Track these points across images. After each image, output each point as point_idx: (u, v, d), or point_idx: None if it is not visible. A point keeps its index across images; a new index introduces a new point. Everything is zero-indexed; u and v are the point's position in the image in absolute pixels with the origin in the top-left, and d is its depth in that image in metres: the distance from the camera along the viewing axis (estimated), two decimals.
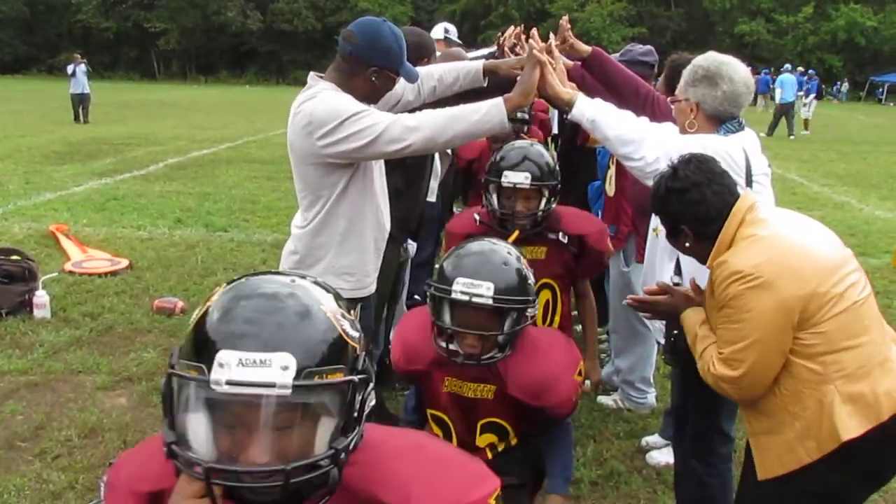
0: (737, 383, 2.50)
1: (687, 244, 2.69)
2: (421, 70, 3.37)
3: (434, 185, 5.20)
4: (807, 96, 28.30)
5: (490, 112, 2.97)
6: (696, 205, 2.59)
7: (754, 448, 2.65)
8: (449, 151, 5.59)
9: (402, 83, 3.40)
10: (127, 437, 4.51)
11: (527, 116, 6.18)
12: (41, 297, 6.43)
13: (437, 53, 4.33)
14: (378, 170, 3.33)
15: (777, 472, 2.54)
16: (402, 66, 3.16)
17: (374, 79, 3.12)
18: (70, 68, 23.22)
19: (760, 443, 2.61)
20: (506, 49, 3.78)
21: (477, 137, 3.23)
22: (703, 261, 2.70)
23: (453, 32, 7.65)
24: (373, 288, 3.39)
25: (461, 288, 2.53)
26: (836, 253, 2.57)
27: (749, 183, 3.06)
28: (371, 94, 3.14)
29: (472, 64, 3.62)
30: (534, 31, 3.33)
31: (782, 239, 2.54)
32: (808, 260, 2.47)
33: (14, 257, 6.75)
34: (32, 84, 45.77)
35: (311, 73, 3.24)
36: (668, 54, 5.08)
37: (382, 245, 3.42)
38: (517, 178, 3.46)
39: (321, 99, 3.05)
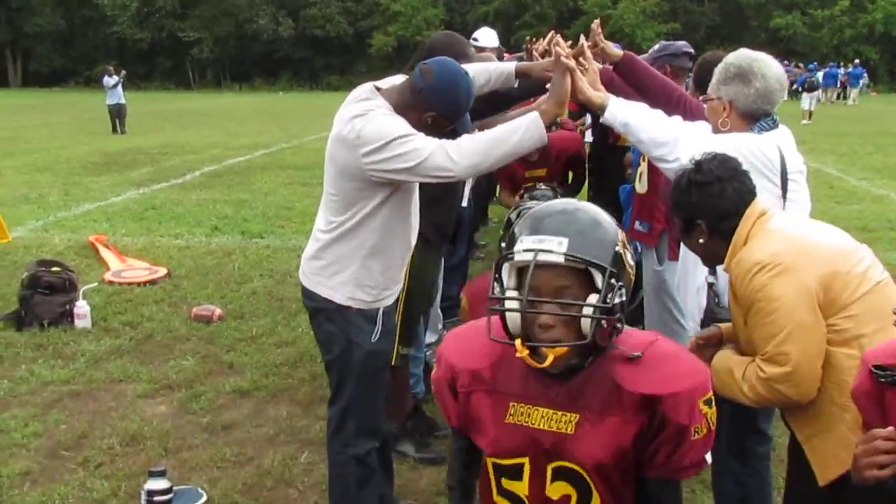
0: (791, 378, 2.47)
1: (701, 240, 2.70)
2: None
3: (467, 190, 5.23)
4: (810, 91, 28.69)
5: (529, 129, 2.96)
6: (715, 198, 2.63)
7: (810, 454, 2.59)
8: None
9: None
10: (168, 445, 4.56)
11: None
12: (82, 307, 6.52)
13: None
14: (416, 188, 3.32)
15: (840, 472, 2.46)
16: (460, 119, 3.18)
17: (429, 121, 3.10)
18: (111, 80, 23.43)
19: (814, 447, 2.56)
20: (535, 55, 3.78)
21: (519, 155, 3.23)
22: (713, 261, 2.74)
23: (483, 39, 7.66)
24: (390, 300, 3.36)
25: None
26: (848, 241, 2.62)
27: (784, 181, 3.04)
28: (418, 130, 3.09)
29: (504, 65, 3.62)
30: (558, 38, 3.31)
31: (791, 230, 2.60)
32: (820, 245, 2.54)
33: (55, 269, 6.85)
34: (69, 96, 46.46)
35: (371, 85, 3.19)
36: (702, 50, 5.05)
37: (407, 258, 3.42)
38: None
39: (373, 117, 3.03)
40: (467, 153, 2.96)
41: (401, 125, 3.02)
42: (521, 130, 2.96)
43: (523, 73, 3.53)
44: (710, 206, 2.64)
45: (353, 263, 3.18)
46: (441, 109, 3.09)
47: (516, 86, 3.56)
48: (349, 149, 3.06)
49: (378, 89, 3.17)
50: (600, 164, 6.75)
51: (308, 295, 3.33)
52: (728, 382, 2.65)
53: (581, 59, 3.30)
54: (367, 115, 3.04)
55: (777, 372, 2.48)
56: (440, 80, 3.06)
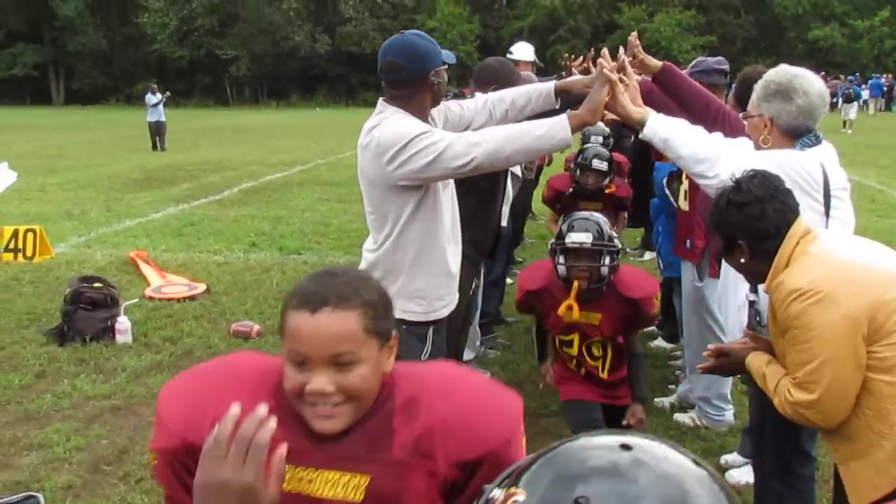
0: (816, 406, 2.44)
1: (742, 260, 2.66)
2: (493, 95, 3.42)
3: (506, 209, 5.21)
4: (848, 102, 29.06)
5: (553, 129, 2.98)
6: (756, 219, 2.58)
7: (844, 476, 2.56)
8: (519, 174, 5.59)
9: (471, 108, 3.45)
10: None
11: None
12: (123, 322, 6.60)
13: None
14: (448, 194, 3.34)
15: (873, 498, 2.44)
16: (441, 55, 3.28)
17: (437, 82, 3.21)
18: (154, 98, 23.72)
19: (851, 469, 2.53)
20: (574, 72, 3.77)
21: (540, 154, 3.24)
22: (755, 279, 2.72)
23: (518, 52, 7.66)
24: (445, 312, 3.38)
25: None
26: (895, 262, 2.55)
27: (827, 198, 3.00)
28: (436, 98, 3.23)
29: (543, 85, 3.60)
30: (604, 51, 3.30)
31: (836, 254, 2.54)
32: (865, 270, 2.47)
33: (97, 284, 6.94)
34: (110, 114, 47.12)
35: (381, 99, 3.29)
36: (738, 63, 5.01)
37: (456, 268, 3.42)
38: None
39: (387, 124, 3.13)
40: (487, 139, 3.01)
41: (415, 125, 3.09)
42: (544, 128, 3.00)
43: (563, 90, 3.52)
44: (750, 226, 2.59)
45: (399, 276, 3.23)
46: (431, 64, 3.18)
47: (558, 106, 3.55)
48: (373, 159, 3.14)
49: (388, 102, 3.26)
50: (640, 181, 6.72)
51: None
52: (760, 385, 2.68)
53: (622, 74, 3.28)
54: (381, 124, 3.14)
55: (804, 398, 2.47)
56: (405, 56, 3.17)
